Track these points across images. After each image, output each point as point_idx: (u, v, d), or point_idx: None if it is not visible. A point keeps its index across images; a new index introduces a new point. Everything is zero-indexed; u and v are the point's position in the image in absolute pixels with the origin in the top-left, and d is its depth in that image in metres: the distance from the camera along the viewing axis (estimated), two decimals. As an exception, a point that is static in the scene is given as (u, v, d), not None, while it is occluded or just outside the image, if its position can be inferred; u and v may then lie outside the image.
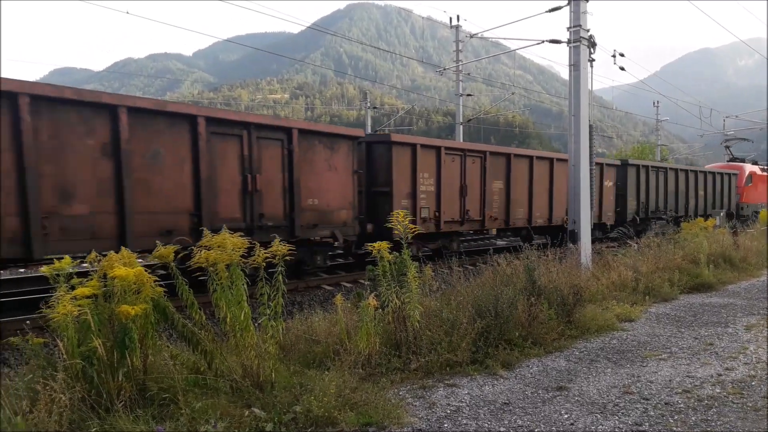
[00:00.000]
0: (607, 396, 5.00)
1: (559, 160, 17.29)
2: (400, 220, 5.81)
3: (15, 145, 7.09)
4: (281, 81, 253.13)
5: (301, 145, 10.71)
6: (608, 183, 19.57)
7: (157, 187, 8.59)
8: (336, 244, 11.88)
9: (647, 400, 4.88)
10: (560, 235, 15.80)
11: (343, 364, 5.15)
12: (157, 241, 4.99)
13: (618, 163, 20.61)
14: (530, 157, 16.70)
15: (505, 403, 4.79)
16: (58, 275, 4.11)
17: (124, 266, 4.21)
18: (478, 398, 4.90)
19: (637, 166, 20.90)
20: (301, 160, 10.70)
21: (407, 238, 5.80)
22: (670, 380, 5.41)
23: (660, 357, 6.24)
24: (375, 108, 46.99)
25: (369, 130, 33.32)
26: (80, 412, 3.64)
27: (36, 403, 3.41)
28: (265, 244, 4.95)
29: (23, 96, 7.10)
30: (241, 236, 4.73)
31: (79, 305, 3.85)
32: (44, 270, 4.15)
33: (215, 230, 4.81)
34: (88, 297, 3.97)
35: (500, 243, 20.42)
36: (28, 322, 4.48)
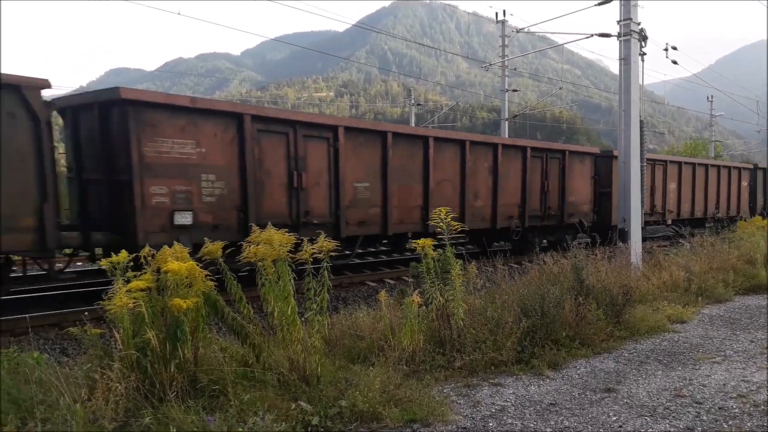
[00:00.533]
0: (658, 399, 4.88)
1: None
2: (442, 217, 5.79)
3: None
4: (326, 79, 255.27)
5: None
6: (744, 183, 23.64)
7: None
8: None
9: (700, 404, 4.75)
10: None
11: (388, 360, 5.19)
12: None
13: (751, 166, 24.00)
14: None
15: (551, 404, 4.74)
16: (115, 268, 4.27)
17: (177, 261, 4.35)
18: (523, 398, 4.86)
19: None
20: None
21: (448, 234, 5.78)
22: (724, 384, 5.24)
23: (713, 360, 6.05)
24: (419, 105, 46.90)
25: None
26: (135, 400, 3.78)
27: (94, 391, 3.56)
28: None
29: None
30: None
31: (134, 298, 3.99)
32: (102, 263, 4.31)
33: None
34: (142, 290, 4.11)
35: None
36: (86, 313, 4.67)
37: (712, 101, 49.83)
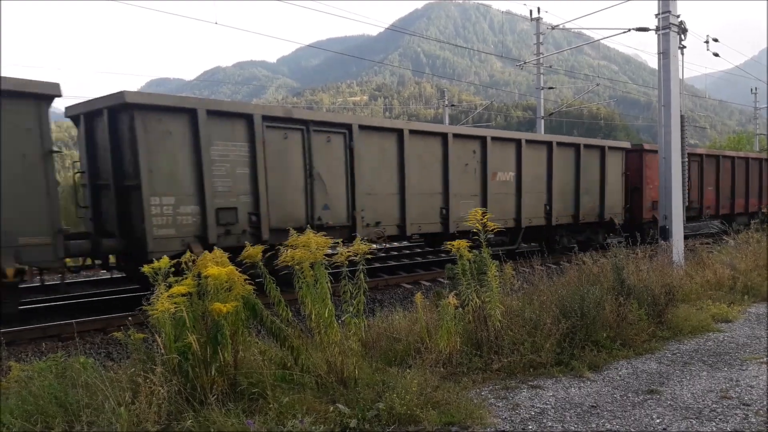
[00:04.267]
0: (703, 401, 4.75)
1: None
2: (478, 218, 5.75)
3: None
4: (360, 83, 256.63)
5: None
6: None
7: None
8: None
9: (747, 405, 4.60)
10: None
11: (424, 363, 5.18)
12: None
13: None
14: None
15: (592, 406, 4.65)
16: (156, 274, 4.37)
17: (216, 265, 4.43)
18: (563, 400, 4.79)
19: None
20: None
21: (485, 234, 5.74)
22: (773, 386, 5.07)
23: (761, 360, 5.85)
24: (453, 105, 46.68)
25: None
26: (177, 404, 3.85)
27: (137, 394, 3.65)
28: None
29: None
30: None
31: (175, 303, 4.08)
32: (145, 269, 4.42)
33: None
34: (183, 295, 4.20)
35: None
36: (130, 318, 4.78)
37: (756, 93, 48.27)
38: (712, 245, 13.94)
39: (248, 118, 9.16)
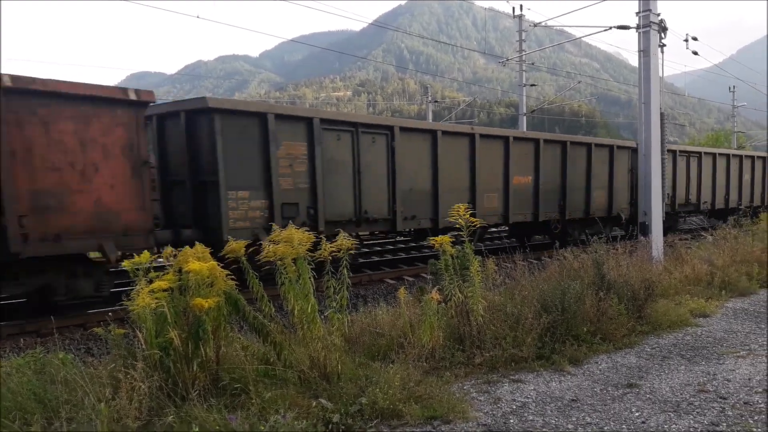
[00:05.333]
0: (681, 394, 4.83)
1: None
2: (461, 213, 5.78)
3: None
4: (344, 78, 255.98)
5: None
6: None
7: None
8: None
9: (724, 399, 4.69)
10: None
11: (407, 357, 5.20)
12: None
13: None
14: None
15: (572, 400, 4.71)
16: (137, 269, 4.33)
17: (198, 260, 4.40)
18: (544, 394, 4.84)
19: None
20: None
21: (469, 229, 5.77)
22: (749, 378, 5.17)
23: (738, 354, 5.96)
24: (436, 102, 46.76)
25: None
26: (158, 399, 3.82)
27: (118, 390, 3.61)
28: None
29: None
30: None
31: (156, 298, 4.04)
32: (125, 264, 4.38)
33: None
34: (164, 290, 4.17)
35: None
36: (110, 314, 4.74)
37: (734, 91, 48.99)
38: (690, 241, 14.15)
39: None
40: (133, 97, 7.70)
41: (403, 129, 11.63)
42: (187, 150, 9.16)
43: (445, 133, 12.44)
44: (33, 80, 6.90)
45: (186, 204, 9.35)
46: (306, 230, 4.83)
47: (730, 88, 49.13)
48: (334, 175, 10.39)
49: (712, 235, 13.85)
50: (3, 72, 6.68)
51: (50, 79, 7.07)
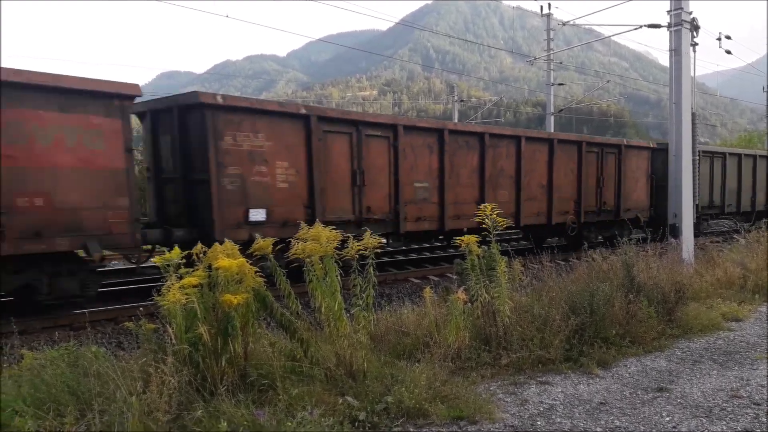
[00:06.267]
0: (713, 399, 4.73)
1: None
2: (487, 213, 5.75)
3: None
4: (370, 78, 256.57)
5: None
6: None
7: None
8: None
9: (758, 405, 4.58)
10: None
11: (433, 357, 5.18)
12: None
13: None
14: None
15: (601, 403, 4.65)
16: (168, 265, 4.39)
17: (227, 257, 4.45)
18: (572, 397, 4.78)
19: None
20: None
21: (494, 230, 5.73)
22: (784, 385, 5.04)
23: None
24: (462, 101, 46.54)
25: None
26: (187, 394, 3.87)
27: (148, 384, 3.67)
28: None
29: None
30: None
31: (186, 294, 4.10)
32: (156, 260, 4.45)
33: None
34: (194, 286, 4.22)
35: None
36: (141, 308, 4.82)
37: (767, 92, 47.75)
38: (722, 244, 13.86)
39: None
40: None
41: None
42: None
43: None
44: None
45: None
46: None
47: (763, 87, 47.94)
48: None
49: (744, 237, 13.55)
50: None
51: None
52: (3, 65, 6.77)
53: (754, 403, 4.61)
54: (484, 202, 11.65)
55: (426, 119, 15.69)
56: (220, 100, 8.57)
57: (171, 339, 3.96)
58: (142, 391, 3.65)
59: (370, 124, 10.60)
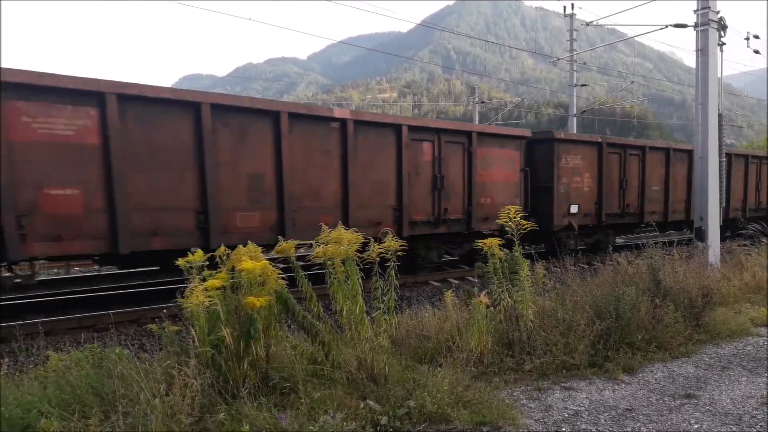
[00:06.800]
0: (743, 406, 4.61)
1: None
2: (511, 215, 5.68)
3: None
4: (390, 80, 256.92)
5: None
6: None
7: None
8: None
9: (790, 414, 4.45)
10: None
11: (455, 361, 5.14)
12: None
13: None
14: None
15: (627, 410, 4.56)
16: (191, 267, 4.41)
17: (251, 259, 4.45)
18: (597, 403, 4.70)
19: None
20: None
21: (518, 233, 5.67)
22: (817, 394, 4.90)
23: (805, 367, 5.66)
24: (483, 102, 46.28)
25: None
26: (209, 396, 3.88)
27: (171, 386, 3.68)
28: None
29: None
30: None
31: (209, 296, 4.11)
32: (179, 262, 4.46)
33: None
34: (217, 288, 4.23)
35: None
36: (165, 311, 4.85)
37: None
38: (749, 247, 13.57)
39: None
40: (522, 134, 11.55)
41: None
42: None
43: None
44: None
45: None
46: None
47: (792, 87, 47.05)
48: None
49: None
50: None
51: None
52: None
53: (787, 412, 4.49)
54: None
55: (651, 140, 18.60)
56: (562, 135, 13.71)
57: (194, 341, 3.97)
58: (165, 393, 3.66)
59: (609, 144, 14.97)
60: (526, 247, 13.99)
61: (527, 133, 13.52)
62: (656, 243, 7.80)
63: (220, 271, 4.44)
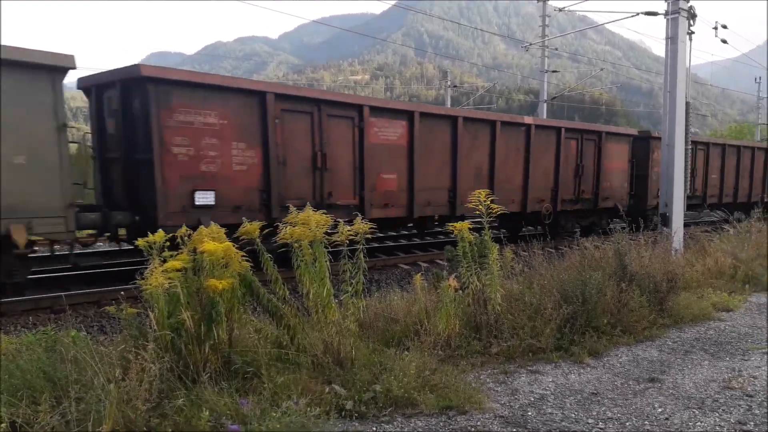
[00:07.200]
0: (705, 390, 4.67)
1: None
2: (482, 199, 5.63)
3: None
4: (362, 62, 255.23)
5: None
6: None
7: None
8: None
9: (751, 397, 4.52)
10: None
11: (423, 345, 5.09)
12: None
13: None
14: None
15: (592, 393, 4.57)
16: (151, 248, 4.24)
17: (213, 241, 4.31)
18: (563, 387, 4.71)
19: None
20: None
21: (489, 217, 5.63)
22: (776, 377, 4.99)
23: (763, 350, 5.78)
24: (455, 87, 46.24)
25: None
26: (168, 382, 3.74)
27: (128, 371, 3.53)
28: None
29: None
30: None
31: (169, 278, 3.96)
32: (139, 242, 4.30)
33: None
34: (178, 270, 4.08)
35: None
36: (122, 292, 4.67)
37: (759, 82, 47.97)
38: (711, 233, 13.86)
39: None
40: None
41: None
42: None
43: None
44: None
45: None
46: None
47: (755, 79, 48.17)
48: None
49: (734, 227, 13.54)
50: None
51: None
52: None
53: (747, 395, 4.55)
54: None
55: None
56: (656, 134, 16.54)
57: (152, 324, 3.82)
58: (122, 378, 3.52)
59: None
60: (495, 231, 14.04)
61: (635, 132, 17.60)
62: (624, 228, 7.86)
63: (182, 252, 4.29)
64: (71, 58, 7.41)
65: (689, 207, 17.33)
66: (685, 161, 13.64)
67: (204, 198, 8.64)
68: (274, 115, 9.34)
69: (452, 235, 5.79)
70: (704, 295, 7.93)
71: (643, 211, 16.50)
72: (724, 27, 17.94)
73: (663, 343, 6.01)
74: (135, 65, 8.26)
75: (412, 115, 11.56)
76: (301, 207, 4.74)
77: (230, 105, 8.95)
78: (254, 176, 9.26)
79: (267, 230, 5.04)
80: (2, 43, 6.91)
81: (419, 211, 11.83)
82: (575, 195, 15.52)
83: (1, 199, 6.81)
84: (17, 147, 7.00)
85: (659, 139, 15.01)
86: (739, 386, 4.75)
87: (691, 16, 13.24)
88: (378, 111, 11.05)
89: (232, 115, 8.94)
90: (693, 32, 13.79)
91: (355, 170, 10.73)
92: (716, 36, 17.63)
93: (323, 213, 4.68)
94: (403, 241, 14.87)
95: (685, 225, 13.90)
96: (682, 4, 12.83)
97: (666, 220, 13.08)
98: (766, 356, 5.58)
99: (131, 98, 8.39)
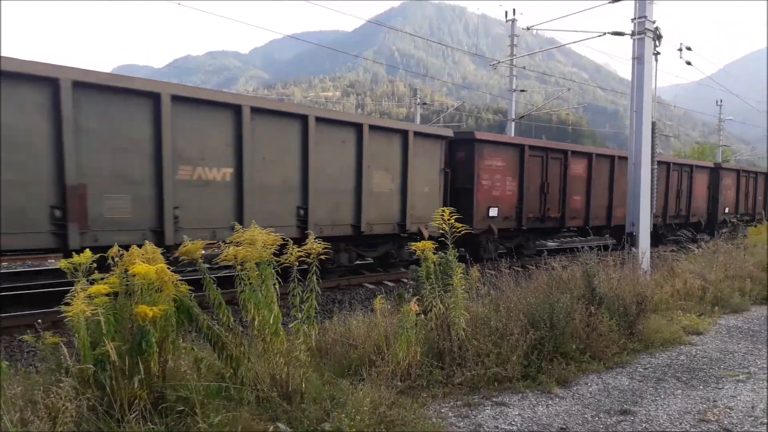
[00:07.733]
0: (680, 424, 4.39)
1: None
2: (445, 217, 5.32)
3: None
4: (333, 79, 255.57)
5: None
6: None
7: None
8: None
9: (728, 431, 4.26)
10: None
11: (380, 375, 4.71)
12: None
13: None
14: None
15: (561, 429, 4.25)
16: (76, 269, 3.80)
17: (147, 262, 3.89)
18: (530, 420, 4.38)
19: None
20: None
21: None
22: (752, 407, 4.75)
23: (737, 378, 5.56)
24: (425, 104, 46.29)
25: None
26: (90, 422, 3.31)
27: (37, 412, 3.08)
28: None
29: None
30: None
31: (94, 305, 3.53)
32: (61, 264, 3.85)
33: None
34: (106, 295, 3.66)
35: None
36: (39, 321, 4.20)
37: (721, 105, 49.25)
38: (677, 253, 13.83)
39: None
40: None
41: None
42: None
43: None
44: None
45: None
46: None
47: (717, 101, 49.49)
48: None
49: (699, 247, 13.52)
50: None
51: None
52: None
53: (724, 429, 4.29)
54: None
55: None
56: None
57: (66, 358, 3.38)
58: (30, 420, 3.07)
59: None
60: (460, 249, 13.77)
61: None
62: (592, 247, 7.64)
63: (112, 275, 3.86)
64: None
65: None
66: (652, 180, 13.62)
67: (493, 211, 13.59)
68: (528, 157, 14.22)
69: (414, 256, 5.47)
70: (674, 317, 7.74)
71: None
72: (689, 49, 18.13)
73: (634, 370, 5.74)
74: (470, 132, 13.79)
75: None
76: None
77: (508, 153, 14.02)
78: (514, 198, 14.25)
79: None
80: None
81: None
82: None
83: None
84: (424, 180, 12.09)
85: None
86: (715, 418, 4.49)
87: (657, 37, 13.30)
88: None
89: (509, 160, 14.00)
90: (659, 53, 13.86)
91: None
92: (681, 57, 17.81)
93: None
94: (370, 260, 14.48)
95: (652, 245, 13.89)
96: (648, 25, 12.87)
97: (633, 240, 12.98)
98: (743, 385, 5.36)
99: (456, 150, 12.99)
